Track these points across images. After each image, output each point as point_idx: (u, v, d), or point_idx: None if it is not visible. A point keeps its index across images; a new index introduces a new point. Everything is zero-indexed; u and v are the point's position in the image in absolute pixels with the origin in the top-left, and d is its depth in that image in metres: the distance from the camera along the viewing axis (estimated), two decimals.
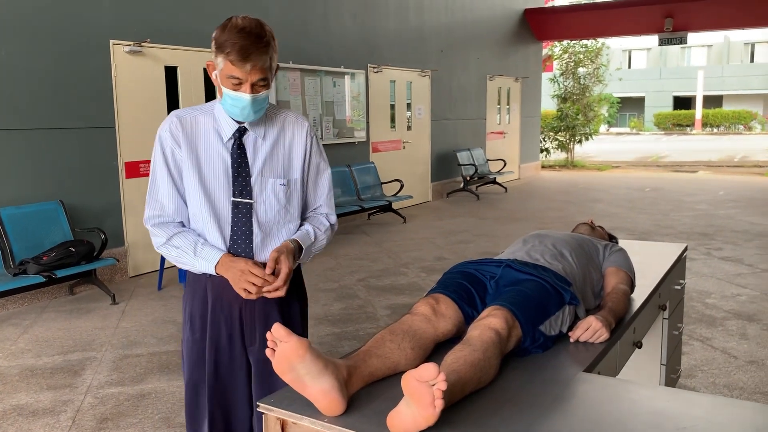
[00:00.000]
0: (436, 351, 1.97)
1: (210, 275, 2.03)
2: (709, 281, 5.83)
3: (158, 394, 3.69)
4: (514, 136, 14.52)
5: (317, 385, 1.58)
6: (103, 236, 5.49)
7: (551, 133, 17.72)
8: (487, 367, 1.74)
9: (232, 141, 2.01)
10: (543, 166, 17.09)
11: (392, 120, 10.36)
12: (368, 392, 1.72)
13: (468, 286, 2.17)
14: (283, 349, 1.58)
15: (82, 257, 5.22)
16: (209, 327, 2.07)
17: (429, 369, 1.39)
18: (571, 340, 2.10)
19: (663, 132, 36.53)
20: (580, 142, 17.97)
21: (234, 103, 1.92)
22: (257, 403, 1.70)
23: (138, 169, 6.37)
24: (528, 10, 14.52)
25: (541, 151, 16.98)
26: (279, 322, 2.09)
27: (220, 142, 2.01)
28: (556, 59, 18.16)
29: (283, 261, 1.98)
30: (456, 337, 2.03)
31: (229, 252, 2.02)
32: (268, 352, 1.61)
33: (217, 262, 1.96)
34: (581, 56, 17.74)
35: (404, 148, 10.55)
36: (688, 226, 8.53)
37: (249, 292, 1.93)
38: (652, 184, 13.74)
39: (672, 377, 3.34)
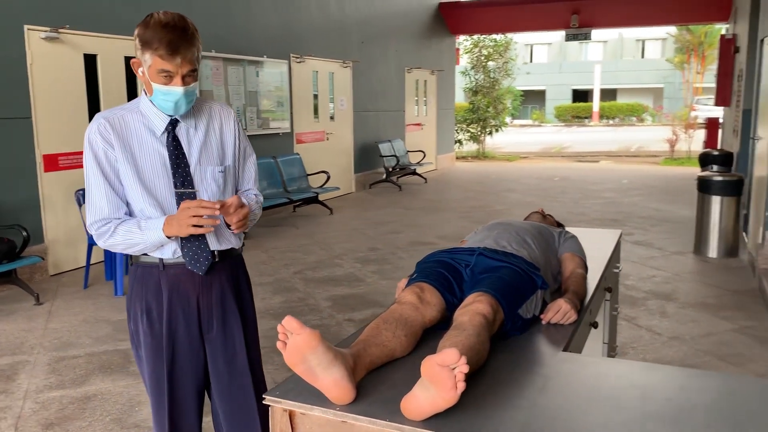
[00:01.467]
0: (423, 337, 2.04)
1: (162, 267, 2.05)
2: (626, 264, 6.22)
3: (105, 396, 3.56)
4: (431, 128, 14.81)
5: (329, 375, 1.61)
6: (24, 233, 5.19)
7: (464, 125, 18.19)
8: (482, 351, 1.83)
9: (166, 134, 2.03)
10: (457, 157, 17.53)
11: (315, 111, 10.32)
12: (370, 380, 1.76)
13: (446, 274, 2.26)
14: (296, 341, 1.60)
15: (2, 256, 4.91)
16: (166, 319, 2.08)
17: (451, 353, 1.45)
18: (543, 322, 2.23)
19: (563, 124, 38.20)
20: (490, 133, 18.55)
21: (166, 97, 1.95)
22: (263, 396, 1.71)
23: (57, 162, 6.04)
24: (442, 4, 14.81)
25: (455, 142, 17.41)
26: (236, 309, 2.17)
27: (153, 137, 2.03)
28: (467, 53, 18.62)
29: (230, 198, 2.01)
30: (440, 322, 2.11)
31: (182, 242, 2.04)
32: (279, 345, 1.62)
33: (163, 225, 1.95)
34: (491, 50, 18.29)
35: (328, 139, 10.54)
36: (599, 213, 9.03)
37: (198, 226, 1.90)
38: (559, 173, 14.41)
39: (612, 354, 3.58)
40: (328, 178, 9.29)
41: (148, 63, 1.90)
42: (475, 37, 18.00)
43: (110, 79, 6.51)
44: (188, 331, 2.11)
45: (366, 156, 11.72)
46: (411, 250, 6.88)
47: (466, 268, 2.31)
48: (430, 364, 1.48)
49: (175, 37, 1.86)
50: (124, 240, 1.99)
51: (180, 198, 2.03)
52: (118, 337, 4.42)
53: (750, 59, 8.05)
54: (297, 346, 1.60)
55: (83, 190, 5.53)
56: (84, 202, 5.49)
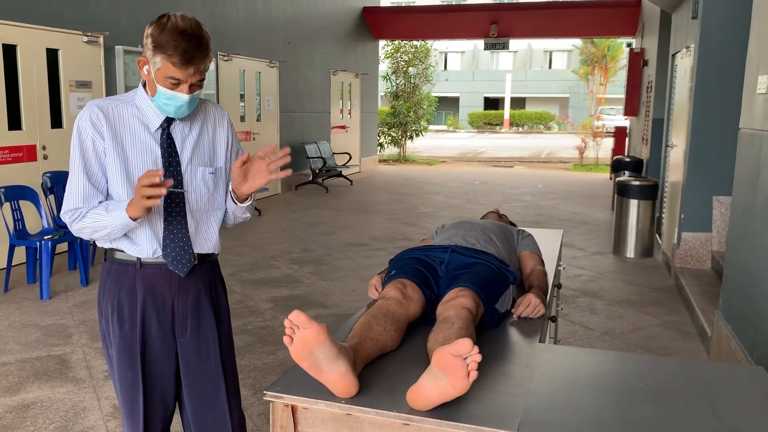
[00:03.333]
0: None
1: (140, 266, 2.00)
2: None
3: (44, 403, 3.38)
4: (355, 131, 14.88)
5: (335, 369, 1.63)
6: None
7: (385, 129, 18.40)
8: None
9: (161, 131, 1.99)
10: (379, 161, 17.69)
11: (242, 110, 10.16)
12: (366, 374, 1.79)
13: (423, 271, 2.32)
14: (304, 335, 1.61)
15: None
16: (139, 319, 2.03)
17: (465, 343, 1.50)
18: (515, 315, 2.33)
19: (476, 130, 39.32)
20: (411, 138, 18.86)
21: (170, 102, 1.91)
22: (265, 392, 1.70)
23: None
24: (366, 9, 14.93)
25: (377, 145, 17.58)
26: (211, 313, 2.13)
27: (147, 132, 1.98)
28: (387, 57, 18.85)
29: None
30: (420, 317, 2.17)
31: (164, 242, 2.00)
32: (285, 339, 1.62)
33: (127, 205, 1.86)
34: (411, 56, 18.60)
35: (254, 139, 10.39)
36: (521, 216, 9.37)
37: (151, 197, 1.77)
38: (478, 177, 14.83)
39: None
40: None
41: (157, 66, 1.84)
42: (396, 42, 18.25)
43: (31, 70, 6.16)
44: (161, 333, 2.05)
45: (292, 157, 11.53)
46: (346, 251, 6.91)
47: (440, 264, 2.38)
48: (442, 354, 1.52)
49: (191, 47, 1.81)
50: (92, 222, 1.91)
51: (168, 197, 1.98)
52: (51, 342, 4.20)
53: (660, 72, 8.62)
54: (305, 340, 1.60)
55: (3, 188, 5.22)
56: (5, 201, 5.16)
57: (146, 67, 1.89)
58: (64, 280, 5.59)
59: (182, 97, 1.89)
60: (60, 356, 3.99)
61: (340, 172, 12.36)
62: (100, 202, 1.96)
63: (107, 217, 1.90)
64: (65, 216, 1.96)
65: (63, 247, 6.20)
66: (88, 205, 1.94)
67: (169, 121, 1.99)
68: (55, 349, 4.11)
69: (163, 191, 1.79)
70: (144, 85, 1.97)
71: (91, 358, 3.96)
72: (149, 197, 1.78)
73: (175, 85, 1.87)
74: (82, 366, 3.85)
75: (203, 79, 1.93)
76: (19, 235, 5.28)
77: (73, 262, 5.86)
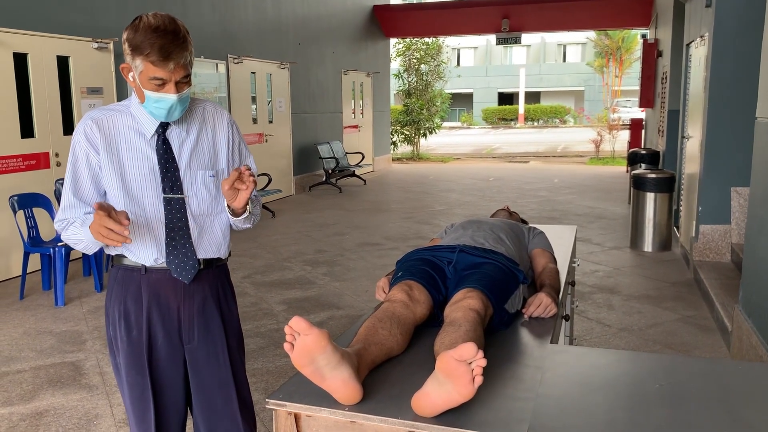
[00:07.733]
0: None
1: (144, 271, 1.98)
2: None
3: (57, 411, 3.38)
4: (368, 130, 14.85)
5: (337, 375, 1.59)
6: None
7: (398, 127, 18.35)
8: (480, 345, 1.85)
9: (156, 137, 1.96)
10: (393, 159, 17.65)
11: (254, 112, 10.17)
12: (371, 379, 1.75)
13: (431, 272, 2.27)
14: (305, 341, 1.57)
15: None
16: (145, 325, 2.01)
17: (469, 348, 1.45)
18: (526, 316, 2.28)
19: (491, 126, 39.08)
20: (425, 135, 18.78)
21: (159, 104, 1.87)
22: (267, 400, 1.67)
23: None
24: (376, 7, 14.89)
25: (390, 144, 17.53)
26: (218, 318, 2.10)
27: (142, 140, 1.96)
28: (399, 56, 18.78)
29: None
30: (428, 319, 2.12)
31: (167, 249, 1.98)
32: (286, 346, 1.59)
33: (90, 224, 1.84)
34: (423, 53, 18.52)
35: (266, 141, 10.40)
36: (537, 212, 9.28)
37: (104, 236, 1.74)
38: (493, 174, 14.72)
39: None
40: (270, 180, 9.16)
41: (139, 69, 1.81)
42: (407, 40, 18.19)
43: (42, 78, 6.19)
44: (168, 340, 2.02)
45: (305, 158, 11.63)
46: (359, 251, 6.88)
47: (448, 265, 2.33)
48: (447, 360, 1.47)
49: (167, 42, 1.78)
50: (72, 234, 1.93)
51: (168, 203, 1.96)
52: (65, 349, 4.22)
53: (675, 62, 8.47)
54: (306, 347, 1.57)
55: (17, 195, 5.25)
56: (18, 209, 5.18)
57: (131, 73, 1.87)
58: (79, 287, 5.61)
59: (170, 97, 1.85)
60: (74, 363, 4.00)
61: (354, 171, 12.34)
62: (86, 214, 1.95)
63: (80, 230, 1.90)
64: (56, 225, 1.98)
65: (78, 253, 6.23)
66: (71, 215, 1.95)
67: (164, 127, 1.96)
68: (68, 356, 4.12)
69: (121, 239, 1.73)
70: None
71: (104, 364, 3.96)
72: (105, 236, 1.73)
73: (161, 85, 1.83)
74: (96, 372, 3.85)
75: (189, 76, 1.88)
76: (33, 242, 5.31)
77: (88, 268, 5.89)
